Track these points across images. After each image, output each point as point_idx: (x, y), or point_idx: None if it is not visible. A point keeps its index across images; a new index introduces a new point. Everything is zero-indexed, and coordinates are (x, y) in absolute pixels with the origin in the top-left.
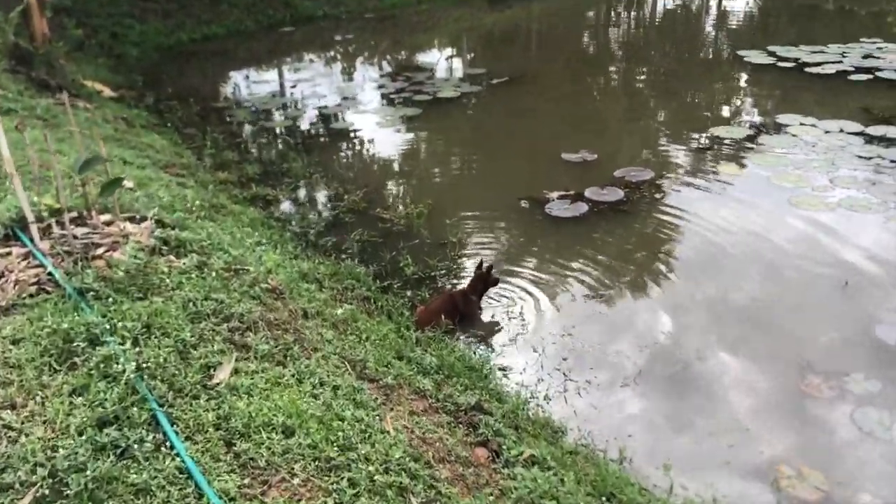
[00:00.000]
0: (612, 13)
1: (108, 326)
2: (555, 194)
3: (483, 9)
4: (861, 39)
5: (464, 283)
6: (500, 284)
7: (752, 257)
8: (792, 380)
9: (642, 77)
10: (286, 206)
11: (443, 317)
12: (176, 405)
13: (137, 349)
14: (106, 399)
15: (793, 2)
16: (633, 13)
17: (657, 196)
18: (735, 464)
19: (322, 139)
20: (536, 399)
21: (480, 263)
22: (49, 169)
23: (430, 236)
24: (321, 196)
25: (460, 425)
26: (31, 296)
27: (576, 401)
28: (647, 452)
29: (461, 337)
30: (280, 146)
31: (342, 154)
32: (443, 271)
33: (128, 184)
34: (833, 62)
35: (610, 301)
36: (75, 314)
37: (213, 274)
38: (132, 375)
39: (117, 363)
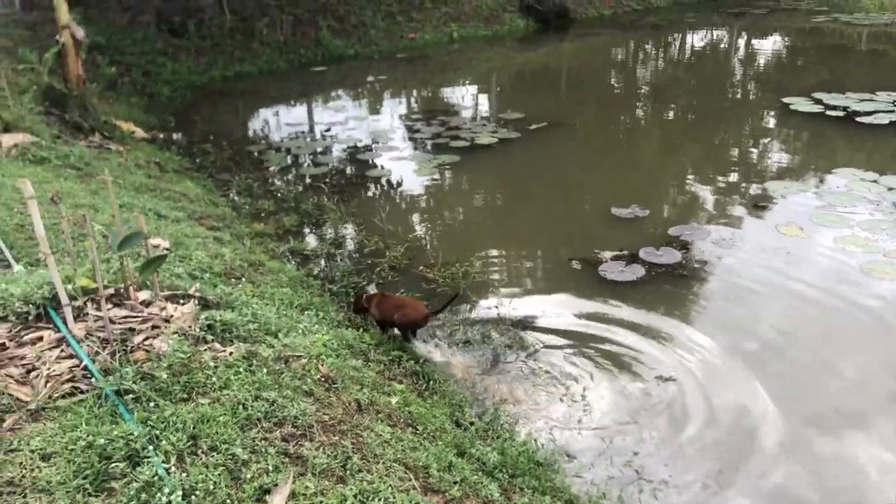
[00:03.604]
0: (641, 53)
1: (149, 438)
2: (608, 255)
3: (514, 48)
4: None
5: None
6: (555, 358)
7: (838, 333)
8: None
9: (687, 124)
10: (325, 262)
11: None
12: None
13: (183, 468)
14: None
15: (822, 42)
16: (661, 52)
17: (718, 258)
18: None
19: (359, 187)
20: (610, 502)
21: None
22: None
23: (477, 298)
24: (362, 252)
25: None
26: (63, 396)
27: None
28: None
29: (516, 418)
30: (316, 195)
31: (380, 204)
32: (492, 337)
33: (164, 243)
34: (885, 111)
35: (680, 382)
36: (113, 423)
37: (264, 369)
38: None
39: (160, 490)
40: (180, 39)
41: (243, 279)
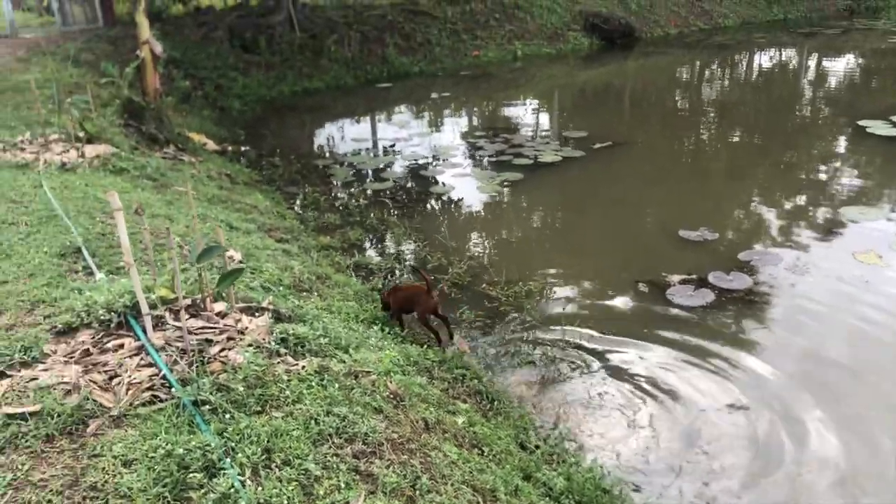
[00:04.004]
0: (707, 72)
1: (225, 450)
2: (676, 278)
3: (577, 66)
4: None
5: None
6: (620, 382)
7: None
8: None
9: (755, 145)
10: (389, 276)
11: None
12: None
13: (258, 482)
14: None
15: None
16: (728, 72)
17: (791, 285)
18: None
19: (422, 203)
20: None
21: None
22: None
23: (541, 318)
24: (425, 267)
25: None
26: (143, 404)
27: None
28: None
29: (581, 443)
30: (380, 209)
31: (443, 220)
32: (555, 358)
33: (236, 255)
34: None
35: (752, 412)
36: (190, 433)
37: (335, 384)
38: None
39: (236, 503)
40: (251, 55)
41: (313, 292)
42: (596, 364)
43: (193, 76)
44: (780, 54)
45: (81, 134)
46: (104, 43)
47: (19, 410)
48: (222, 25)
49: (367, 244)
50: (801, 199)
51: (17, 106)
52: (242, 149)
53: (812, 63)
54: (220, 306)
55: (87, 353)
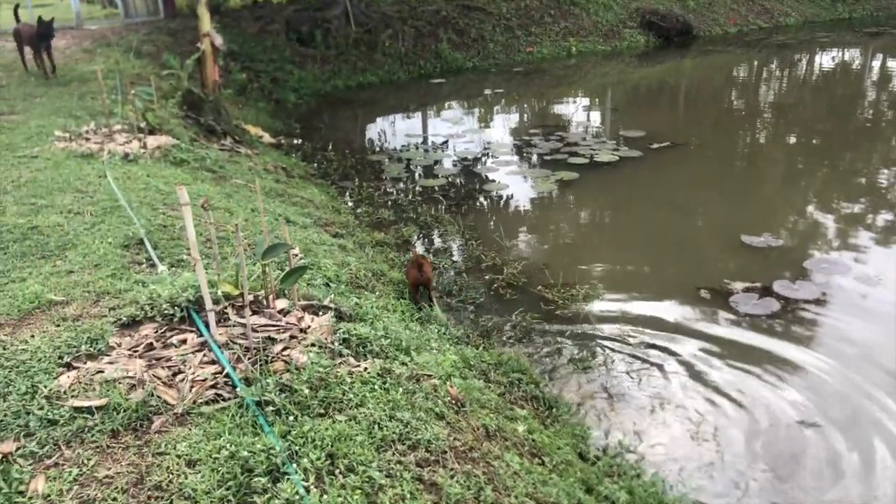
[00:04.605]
0: (766, 72)
1: (289, 454)
2: (739, 285)
3: (633, 64)
4: None
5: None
6: (682, 392)
7: None
8: None
9: (818, 148)
10: (443, 275)
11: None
12: None
13: (321, 489)
14: None
15: None
16: (788, 72)
17: (862, 296)
18: None
19: (475, 200)
20: None
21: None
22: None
23: (598, 322)
24: (479, 267)
25: None
26: (206, 402)
27: None
28: None
29: (642, 454)
30: (433, 206)
31: (496, 218)
32: (614, 364)
33: (295, 251)
34: None
35: (824, 430)
36: (254, 434)
37: (399, 389)
38: None
39: None
40: (307, 48)
41: (370, 289)
42: (656, 372)
43: (250, 69)
44: (844, 54)
45: (143, 125)
46: (165, 34)
47: (86, 404)
48: (279, 18)
49: (421, 241)
50: (869, 206)
51: (82, 96)
52: (297, 142)
53: (877, 64)
54: (282, 303)
55: (150, 347)
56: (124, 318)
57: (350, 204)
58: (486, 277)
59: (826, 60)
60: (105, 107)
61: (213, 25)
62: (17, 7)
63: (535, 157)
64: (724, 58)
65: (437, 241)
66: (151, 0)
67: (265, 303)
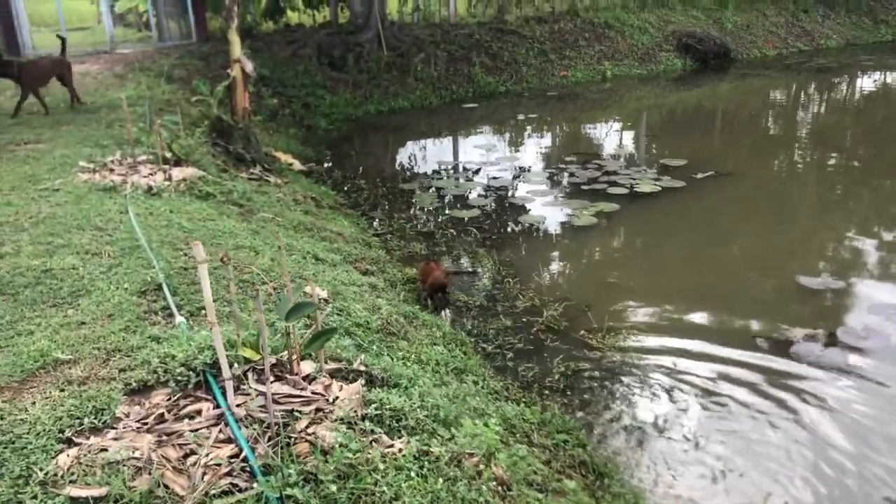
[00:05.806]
0: (812, 97)
1: None
2: (799, 332)
3: (669, 88)
4: None
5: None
6: (746, 457)
7: None
8: None
9: (874, 177)
10: (478, 317)
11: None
12: None
13: None
14: None
15: None
16: (834, 96)
17: None
18: None
19: (511, 233)
20: None
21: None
22: (241, 272)
23: (647, 373)
24: (516, 308)
25: None
26: (220, 494)
27: None
28: None
29: None
30: (467, 240)
31: (534, 253)
32: (669, 423)
33: (322, 293)
34: None
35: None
36: None
37: (439, 478)
38: None
39: None
40: (339, 73)
41: (401, 336)
42: (715, 432)
43: (281, 94)
44: (887, 77)
45: (169, 155)
46: (196, 59)
47: (84, 493)
48: (311, 43)
49: (454, 279)
50: None
51: (110, 123)
52: (327, 167)
53: None
54: (308, 367)
55: (161, 418)
56: (134, 384)
57: (381, 236)
58: (525, 320)
59: (868, 84)
60: (131, 136)
61: (244, 51)
62: (64, 41)
63: (572, 187)
64: (762, 81)
65: (471, 279)
66: (185, 23)
67: (289, 367)
